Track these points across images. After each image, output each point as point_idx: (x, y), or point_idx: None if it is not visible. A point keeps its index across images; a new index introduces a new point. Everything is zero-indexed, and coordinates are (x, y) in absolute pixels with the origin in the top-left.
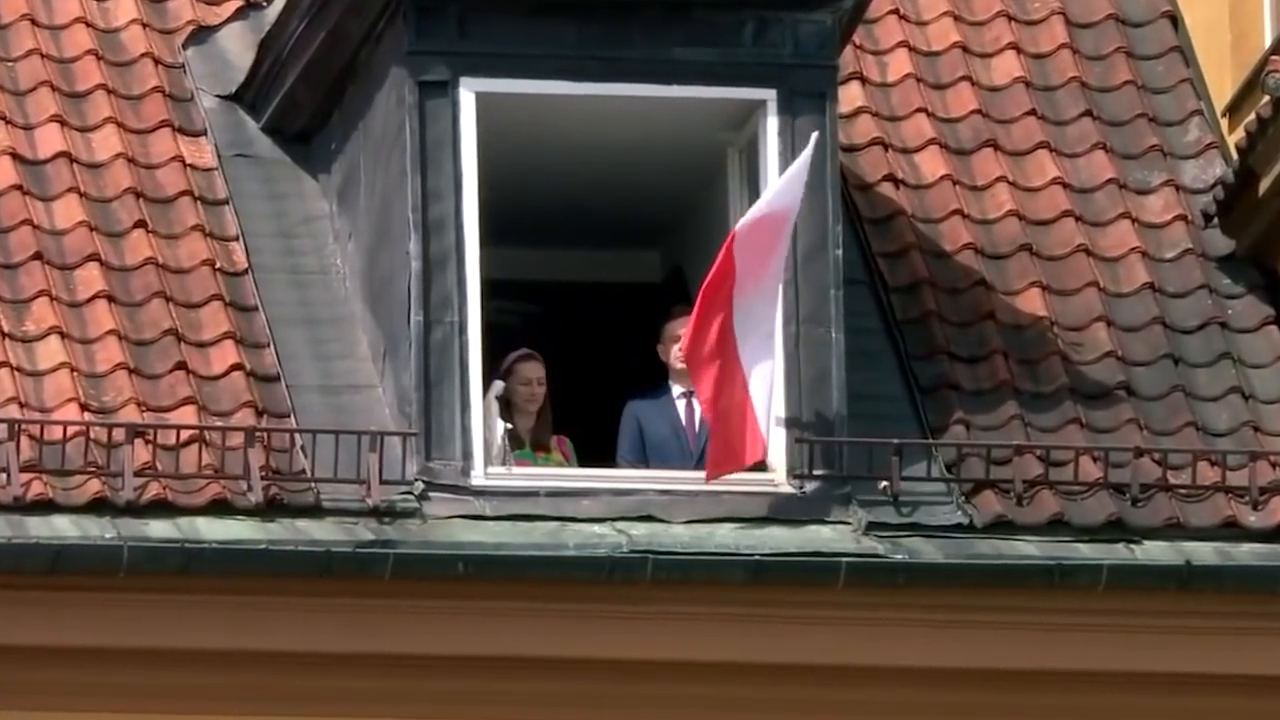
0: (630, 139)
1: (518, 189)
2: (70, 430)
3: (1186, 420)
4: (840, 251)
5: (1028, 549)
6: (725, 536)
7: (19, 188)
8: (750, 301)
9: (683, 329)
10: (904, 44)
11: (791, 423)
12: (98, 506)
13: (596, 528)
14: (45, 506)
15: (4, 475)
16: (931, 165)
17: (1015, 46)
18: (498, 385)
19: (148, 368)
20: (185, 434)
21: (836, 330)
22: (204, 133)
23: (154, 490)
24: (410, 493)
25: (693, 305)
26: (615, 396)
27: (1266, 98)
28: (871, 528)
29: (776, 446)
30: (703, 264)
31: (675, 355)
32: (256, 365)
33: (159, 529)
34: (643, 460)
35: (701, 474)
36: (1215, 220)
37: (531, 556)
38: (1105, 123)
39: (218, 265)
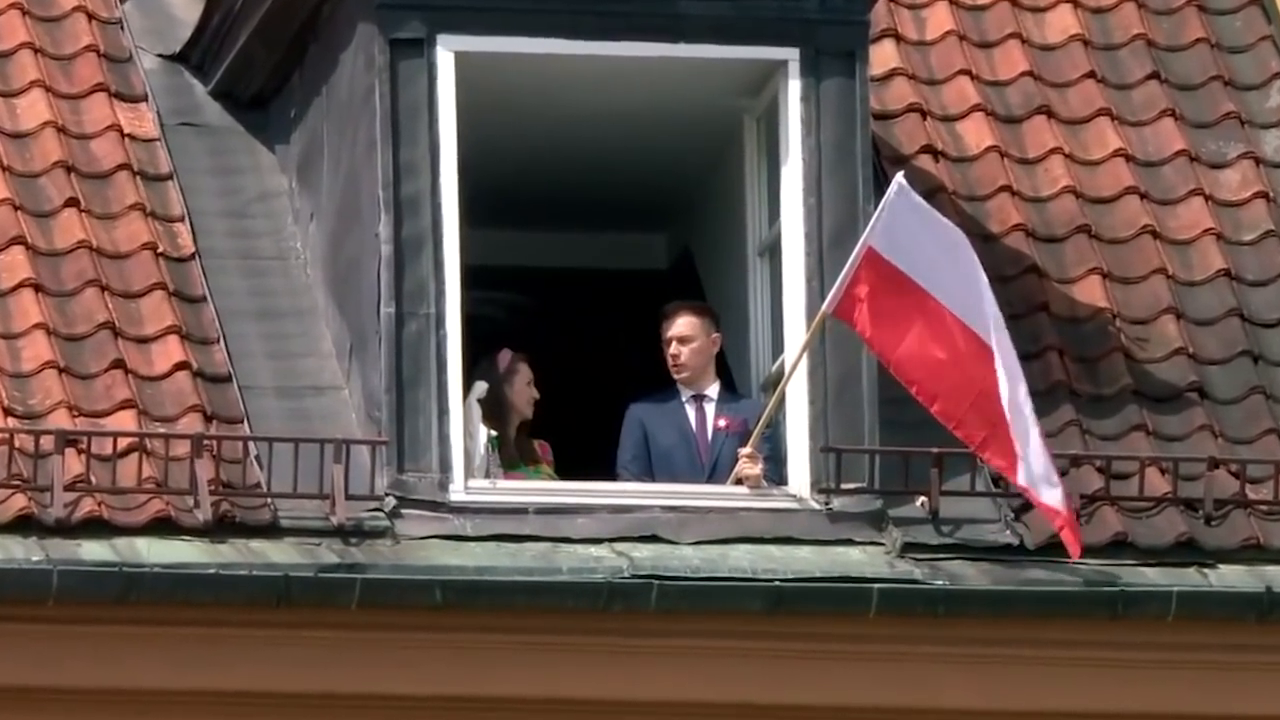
0: (632, 106)
1: (503, 163)
2: None
3: (1267, 427)
4: None
5: (1087, 574)
6: (741, 559)
7: None
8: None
9: (681, 330)
10: None
11: (816, 430)
12: (23, 525)
13: (593, 549)
14: None
15: None
16: (976, 135)
17: None
18: (480, 387)
19: (80, 366)
20: (123, 442)
21: None
22: (144, 98)
23: (88, 507)
24: (380, 509)
25: (703, 297)
26: (614, 400)
27: None
28: (908, 549)
29: (799, 456)
30: (713, 247)
31: (669, 361)
32: (205, 364)
33: (93, 551)
34: (647, 472)
35: (715, 489)
36: None
37: (519, 582)
38: (1174, 86)
39: (160, 250)
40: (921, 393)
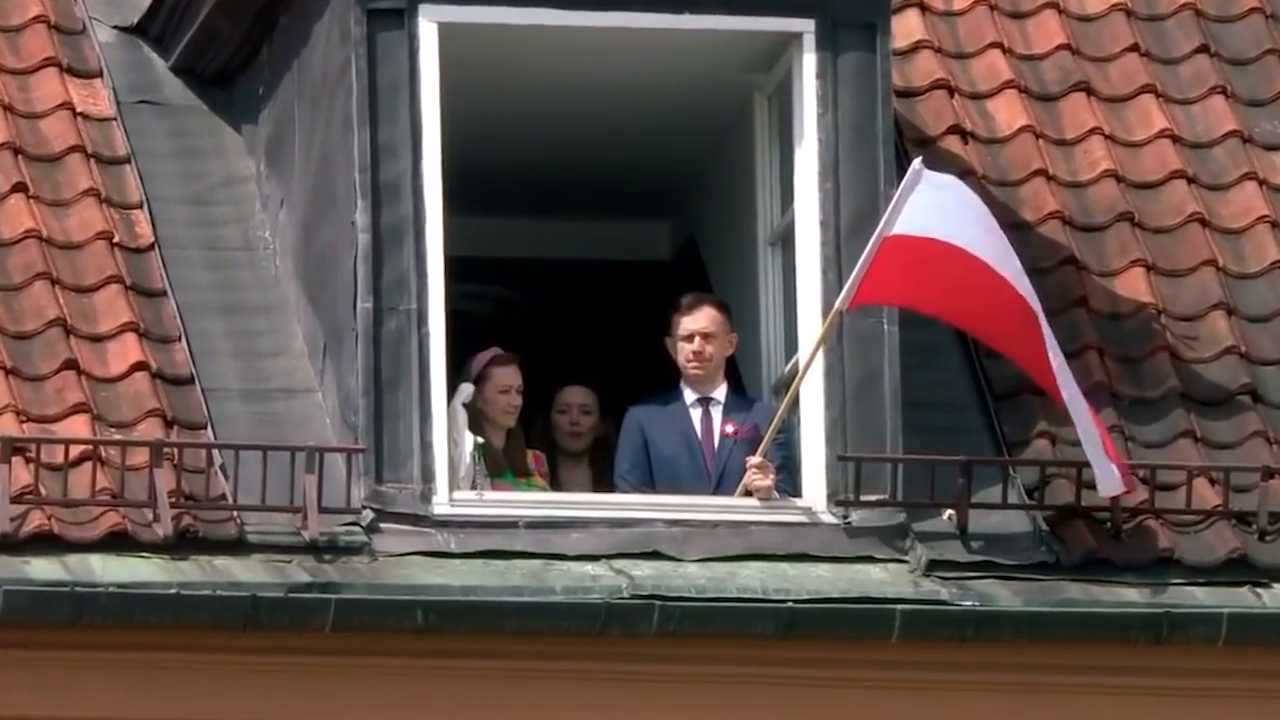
0: (632, 82)
1: (490, 145)
2: None
3: None
4: None
5: (1129, 594)
6: (750, 578)
7: None
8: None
9: (704, 324)
10: None
11: (833, 436)
12: None
13: (590, 567)
14: None
15: None
16: (1008, 114)
17: None
18: (466, 389)
19: (29, 367)
20: (76, 450)
21: (889, 320)
22: (99, 74)
23: (37, 521)
24: (357, 523)
25: (709, 290)
26: (613, 403)
27: None
28: (933, 567)
29: (814, 465)
30: (721, 236)
31: (688, 358)
32: (165, 364)
33: (43, 569)
34: (648, 482)
35: (722, 500)
36: None
37: (508, 603)
38: (1225, 61)
39: (116, 239)
40: (971, 329)
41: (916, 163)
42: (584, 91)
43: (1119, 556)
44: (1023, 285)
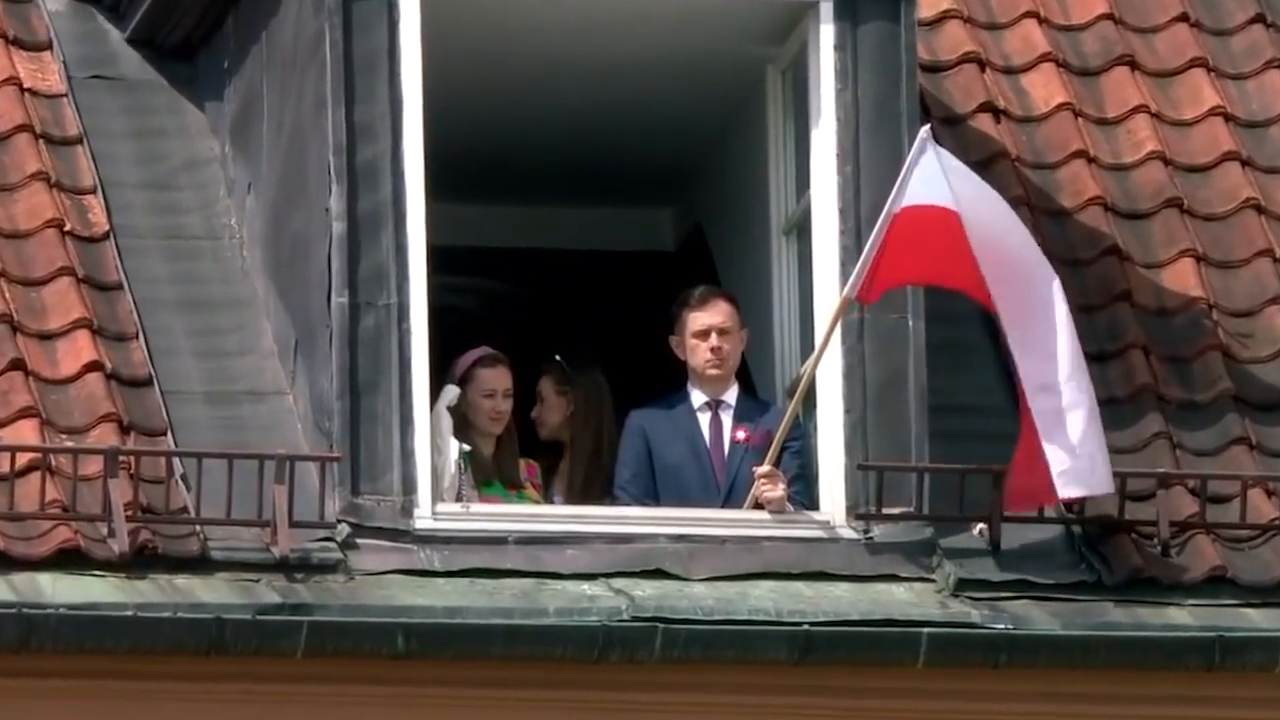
0: (632, 56)
1: (477, 124)
2: None
3: None
4: None
5: (1178, 616)
6: (763, 599)
7: None
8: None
9: (722, 320)
10: None
11: (852, 443)
12: None
13: (587, 587)
14: None
15: None
16: (1045, 90)
17: None
18: (451, 392)
19: None
20: (23, 459)
21: (915, 317)
22: (48, 46)
23: None
24: (331, 539)
25: (717, 283)
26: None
27: None
28: (963, 586)
29: (832, 475)
30: (730, 224)
31: (706, 357)
32: (121, 364)
33: None
34: (651, 494)
35: (731, 514)
36: None
37: (497, 626)
38: None
39: (67, 228)
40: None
41: (924, 130)
42: (580, 66)
43: (1166, 575)
44: (1007, 303)
